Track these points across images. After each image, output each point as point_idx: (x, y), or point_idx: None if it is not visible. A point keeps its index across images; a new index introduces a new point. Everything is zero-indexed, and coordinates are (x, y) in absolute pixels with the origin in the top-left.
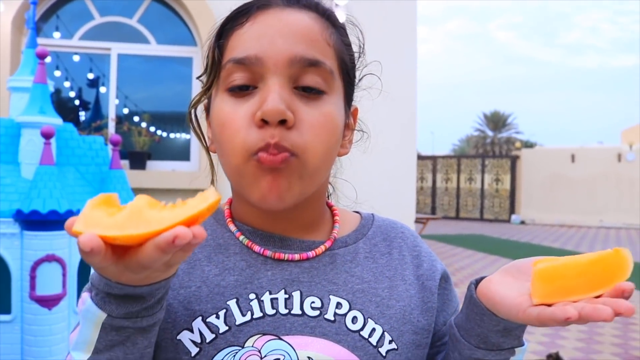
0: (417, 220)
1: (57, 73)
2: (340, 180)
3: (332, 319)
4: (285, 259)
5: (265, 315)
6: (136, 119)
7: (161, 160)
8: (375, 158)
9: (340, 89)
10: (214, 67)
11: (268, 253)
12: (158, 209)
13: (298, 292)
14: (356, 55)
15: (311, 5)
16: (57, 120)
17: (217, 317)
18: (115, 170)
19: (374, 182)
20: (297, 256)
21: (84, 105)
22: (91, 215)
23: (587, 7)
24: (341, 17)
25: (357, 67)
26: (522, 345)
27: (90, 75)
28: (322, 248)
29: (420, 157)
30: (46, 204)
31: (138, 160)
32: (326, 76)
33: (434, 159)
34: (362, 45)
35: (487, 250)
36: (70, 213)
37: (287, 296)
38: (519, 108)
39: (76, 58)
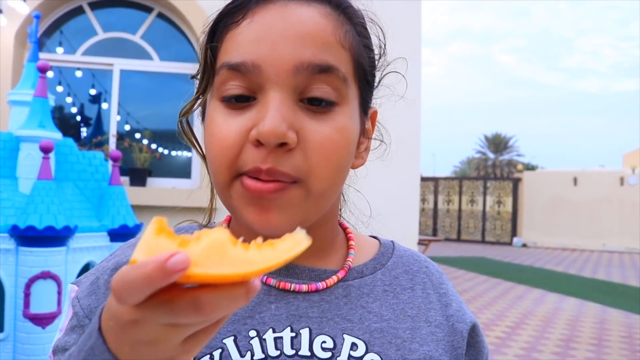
0: (420, 242)
1: (59, 88)
2: (353, 191)
3: None
4: (292, 289)
5: (267, 356)
6: (137, 135)
7: (162, 178)
8: (377, 179)
9: (356, 96)
10: (207, 70)
11: (272, 282)
12: (240, 246)
13: (307, 329)
14: (376, 56)
15: None
16: (57, 135)
17: (212, 357)
18: (115, 186)
19: (377, 203)
20: (305, 287)
21: (86, 121)
22: (156, 243)
23: (589, 32)
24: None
25: (377, 68)
26: None
27: (93, 91)
28: (334, 279)
29: (422, 179)
30: (43, 220)
31: (138, 177)
32: (338, 84)
33: (435, 180)
34: (383, 46)
35: (490, 273)
36: (68, 229)
37: (293, 334)
38: (521, 131)
39: (79, 73)
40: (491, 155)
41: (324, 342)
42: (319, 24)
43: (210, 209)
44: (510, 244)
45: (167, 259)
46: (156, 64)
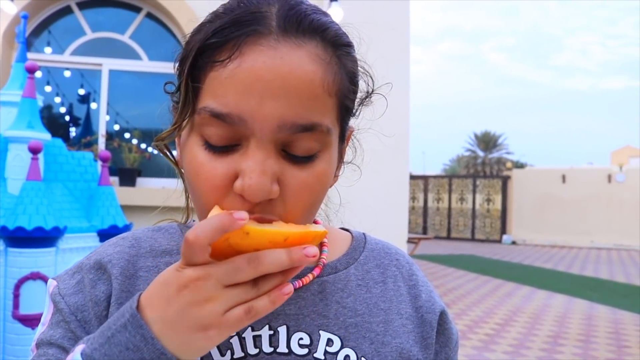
0: (410, 240)
1: (48, 88)
2: None
3: (322, 358)
4: None
5: (247, 355)
6: (127, 135)
7: (151, 177)
8: (367, 178)
9: (337, 133)
10: (187, 104)
11: None
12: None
13: (284, 327)
14: (363, 92)
15: (316, 31)
16: (46, 135)
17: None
18: (104, 186)
19: (366, 202)
20: None
21: (75, 121)
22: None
23: (578, 30)
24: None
25: (361, 101)
26: None
27: (81, 91)
28: (309, 277)
29: (411, 177)
30: (32, 221)
31: (128, 177)
32: (322, 137)
33: (425, 178)
34: (372, 84)
35: (479, 270)
36: (57, 230)
37: (271, 332)
38: (510, 129)
39: (67, 74)
40: (481, 153)
41: (301, 338)
42: (308, 74)
43: (187, 208)
44: (499, 241)
45: (232, 213)
46: (145, 64)
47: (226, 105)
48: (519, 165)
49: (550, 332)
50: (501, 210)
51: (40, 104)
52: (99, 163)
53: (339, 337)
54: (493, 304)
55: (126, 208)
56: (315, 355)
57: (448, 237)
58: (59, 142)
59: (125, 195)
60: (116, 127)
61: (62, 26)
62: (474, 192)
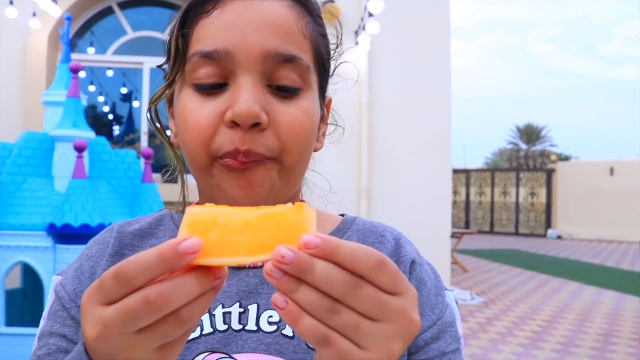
0: (453, 235)
1: (92, 88)
2: (312, 173)
3: (291, 334)
4: (247, 266)
5: (215, 330)
6: (169, 132)
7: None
8: (409, 172)
9: (316, 83)
10: (178, 58)
11: None
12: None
13: (255, 305)
14: (333, 46)
15: None
16: (90, 134)
17: None
18: (147, 183)
19: (409, 197)
20: (259, 263)
21: (118, 119)
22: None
23: (629, 18)
24: (370, 33)
25: (332, 57)
26: None
27: (124, 90)
28: None
29: (453, 171)
30: (78, 218)
31: (171, 174)
32: (302, 72)
33: (467, 172)
34: (340, 36)
35: (524, 265)
36: (102, 226)
37: (242, 310)
38: (554, 121)
39: (110, 73)
40: (523, 146)
41: (271, 316)
42: (283, 14)
43: (184, 199)
44: (544, 236)
45: (181, 241)
46: None
47: (213, 44)
48: (564, 158)
49: (601, 329)
50: (546, 204)
51: (85, 103)
52: (142, 160)
53: None
54: (539, 300)
55: (169, 204)
56: (283, 332)
57: (491, 232)
58: (102, 140)
59: (167, 191)
60: (147, 116)
61: (104, 26)
62: (517, 185)
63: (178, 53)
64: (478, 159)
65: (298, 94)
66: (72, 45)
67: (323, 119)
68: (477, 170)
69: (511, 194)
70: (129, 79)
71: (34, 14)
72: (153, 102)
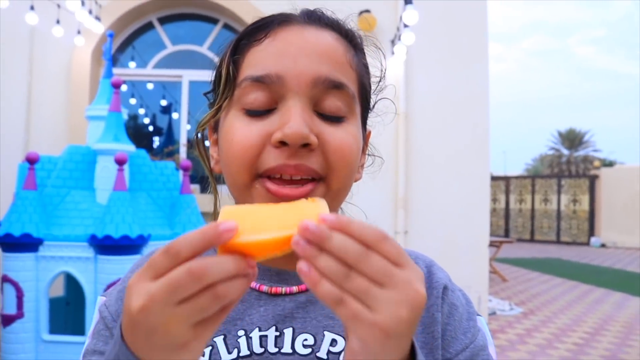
0: (492, 244)
1: (133, 101)
2: (349, 205)
3: (325, 357)
4: (283, 292)
5: (252, 353)
6: (207, 143)
7: (221, 174)
8: (447, 180)
9: (359, 113)
10: (228, 84)
11: (264, 288)
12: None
13: (290, 329)
14: (375, 79)
15: (333, 25)
16: (130, 147)
17: (202, 354)
18: (186, 195)
19: (446, 205)
20: (295, 288)
21: (157, 131)
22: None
23: None
24: (406, 43)
25: (374, 91)
26: None
27: (163, 102)
28: None
29: (492, 178)
30: (119, 229)
31: (208, 185)
32: (348, 100)
33: (506, 179)
34: (383, 70)
35: (566, 275)
36: (142, 238)
37: (277, 333)
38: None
39: (150, 86)
40: (565, 152)
41: (306, 339)
42: (333, 45)
43: (215, 212)
44: (587, 244)
45: (221, 223)
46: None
47: (265, 69)
48: (608, 164)
49: None
50: (589, 211)
51: (125, 116)
52: (181, 172)
53: (343, 337)
54: (582, 311)
55: (207, 215)
56: (317, 354)
57: (531, 240)
58: (142, 152)
59: (206, 202)
60: (196, 137)
61: (145, 41)
62: (559, 192)
63: (228, 79)
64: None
65: (343, 121)
66: (114, 59)
67: (363, 150)
68: (517, 177)
69: (552, 201)
70: (168, 91)
71: (79, 32)
72: (201, 126)
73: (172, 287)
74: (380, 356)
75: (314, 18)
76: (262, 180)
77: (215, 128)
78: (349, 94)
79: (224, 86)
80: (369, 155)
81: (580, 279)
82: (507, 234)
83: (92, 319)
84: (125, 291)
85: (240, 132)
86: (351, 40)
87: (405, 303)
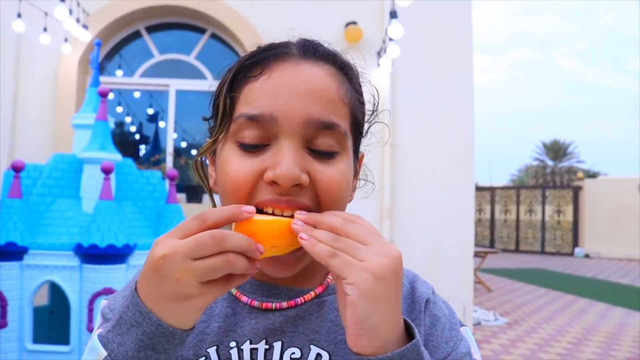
0: (476, 254)
1: (119, 109)
2: None
3: None
4: (273, 308)
5: None
6: (193, 152)
7: (217, 194)
8: (431, 190)
9: (351, 146)
10: (225, 117)
11: (255, 304)
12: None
13: (279, 342)
14: (369, 112)
15: (328, 57)
16: (117, 156)
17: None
18: (172, 204)
19: (432, 216)
20: (284, 304)
21: (144, 140)
22: None
23: None
24: (391, 56)
25: (368, 120)
26: None
27: (150, 111)
28: (311, 294)
29: (477, 189)
30: (104, 238)
31: (194, 194)
32: (340, 138)
33: (492, 190)
34: (376, 104)
35: (550, 285)
36: (127, 247)
37: (267, 347)
38: (582, 137)
39: (137, 94)
40: (550, 163)
41: (293, 353)
42: (325, 82)
43: None
44: (571, 254)
45: (243, 206)
46: (210, 83)
47: (259, 108)
48: (591, 175)
49: (630, 353)
50: (573, 222)
51: (112, 125)
52: (167, 181)
53: (328, 353)
54: (565, 321)
55: None
56: None
57: (516, 250)
58: (129, 162)
59: (192, 211)
60: (183, 145)
61: (132, 50)
62: (544, 203)
63: (225, 113)
64: (504, 176)
65: (335, 157)
66: (101, 68)
67: (355, 175)
68: (502, 188)
69: (537, 211)
70: (155, 100)
71: (66, 40)
72: (199, 154)
73: (195, 244)
74: (372, 298)
75: (310, 52)
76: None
77: (214, 151)
78: (340, 132)
79: (221, 119)
80: (360, 179)
81: (565, 289)
82: (492, 244)
83: (77, 338)
84: (150, 248)
85: (234, 167)
86: (347, 74)
87: (385, 254)
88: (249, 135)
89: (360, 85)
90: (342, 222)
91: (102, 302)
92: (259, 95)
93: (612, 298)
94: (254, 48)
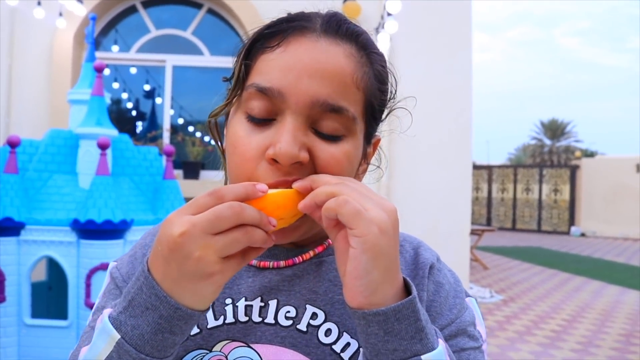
0: (473, 232)
1: (115, 85)
2: None
3: (305, 329)
4: (271, 266)
5: (237, 321)
6: (191, 129)
7: (214, 170)
8: (429, 168)
9: (362, 129)
10: (238, 83)
11: (253, 262)
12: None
13: (275, 300)
14: (390, 94)
15: (352, 36)
16: (113, 132)
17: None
18: (169, 180)
19: (429, 193)
20: (282, 263)
21: (141, 116)
22: None
23: None
24: (389, 32)
25: (386, 106)
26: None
27: (147, 87)
28: (310, 254)
29: (475, 167)
30: (101, 214)
31: (191, 170)
32: (347, 122)
33: (489, 168)
34: (394, 90)
35: (545, 263)
36: (124, 222)
37: (262, 304)
38: (581, 116)
39: (133, 70)
40: (547, 142)
41: (288, 311)
42: (341, 63)
43: None
44: (567, 233)
45: (256, 184)
46: (207, 59)
47: (269, 81)
48: (589, 154)
49: (623, 330)
50: (569, 201)
51: (108, 101)
52: (164, 157)
53: (324, 312)
54: (560, 298)
55: (189, 200)
56: (298, 327)
57: (513, 229)
58: (125, 137)
59: (189, 187)
60: (180, 121)
61: (128, 25)
62: (541, 182)
63: (239, 80)
64: (502, 155)
65: (341, 140)
66: (97, 43)
67: (367, 158)
68: (499, 167)
69: (534, 190)
70: (152, 76)
71: (60, 14)
72: (213, 115)
73: (215, 217)
74: (375, 253)
75: (332, 28)
76: None
77: (228, 113)
78: (348, 117)
79: (235, 84)
80: (371, 164)
81: (560, 267)
82: (489, 222)
83: (104, 282)
84: (160, 225)
85: (241, 142)
86: (368, 55)
87: (384, 208)
88: (257, 107)
89: (384, 69)
90: (337, 179)
91: (110, 265)
92: (272, 68)
93: (607, 276)
94: (256, 21)
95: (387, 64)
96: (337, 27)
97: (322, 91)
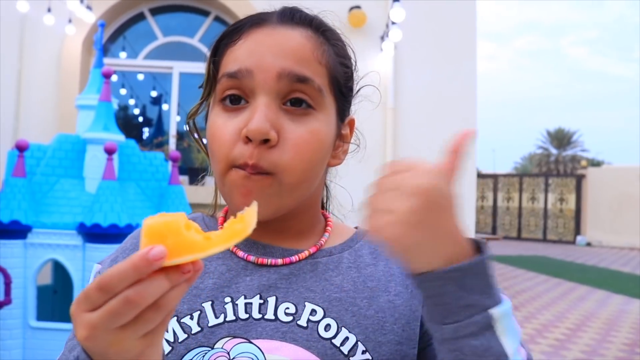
0: None
1: (123, 91)
2: (337, 187)
3: (305, 325)
4: (268, 263)
5: (238, 318)
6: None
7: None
8: None
9: (332, 105)
10: (209, 81)
11: (251, 258)
12: (194, 233)
13: (274, 297)
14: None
15: (305, 21)
16: (120, 137)
17: (191, 317)
18: (174, 185)
19: None
20: (280, 261)
21: (147, 122)
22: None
23: None
24: (393, 40)
25: (352, 81)
26: (497, 304)
27: (154, 93)
28: (305, 253)
29: (480, 176)
30: (107, 218)
31: (197, 176)
32: (314, 93)
33: (495, 177)
34: (354, 63)
35: (551, 272)
36: (130, 227)
37: (262, 301)
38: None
39: (140, 77)
40: (554, 151)
41: (287, 308)
42: (300, 43)
43: (215, 203)
44: (573, 242)
45: (149, 251)
46: None
47: (237, 65)
48: (595, 164)
49: (627, 339)
50: (575, 210)
51: (116, 106)
52: (170, 163)
53: (322, 309)
54: (565, 307)
55: (195, 206)
56: (298, 322)
57: (518, 238)
58: (132, 143)
59: (194, 193)
60: (186, 127)
61: (136, 32)
62: (546, 191)
63: (209, 76)
64: (508, 164)
65: (310, 113)
66: (105, 50)
67: (344, 138)
68: (505, 175)
69: (539, 199)
70: (159, 82)
71: (70, 21)
72: (190, 116)
73: (111, 315)
74: (406, 243)
75: (287, 18)
76: (235, 171)
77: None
78: (314, 88)
79: (207, 82)
80: (352, 143)
81: (565, 276)
82: (494, 231)
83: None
84: (71, 318)
85: (219, 129)
86: (324, 35)
87: (409, 194)
88: (230, 92)
89: (343, 47)
90: (375, 188)
91: (95, 267)
92: (238, 55)
93: (612, 285)
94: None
95: (343, 38)
96: (291, 15)
97: (286, 64)
